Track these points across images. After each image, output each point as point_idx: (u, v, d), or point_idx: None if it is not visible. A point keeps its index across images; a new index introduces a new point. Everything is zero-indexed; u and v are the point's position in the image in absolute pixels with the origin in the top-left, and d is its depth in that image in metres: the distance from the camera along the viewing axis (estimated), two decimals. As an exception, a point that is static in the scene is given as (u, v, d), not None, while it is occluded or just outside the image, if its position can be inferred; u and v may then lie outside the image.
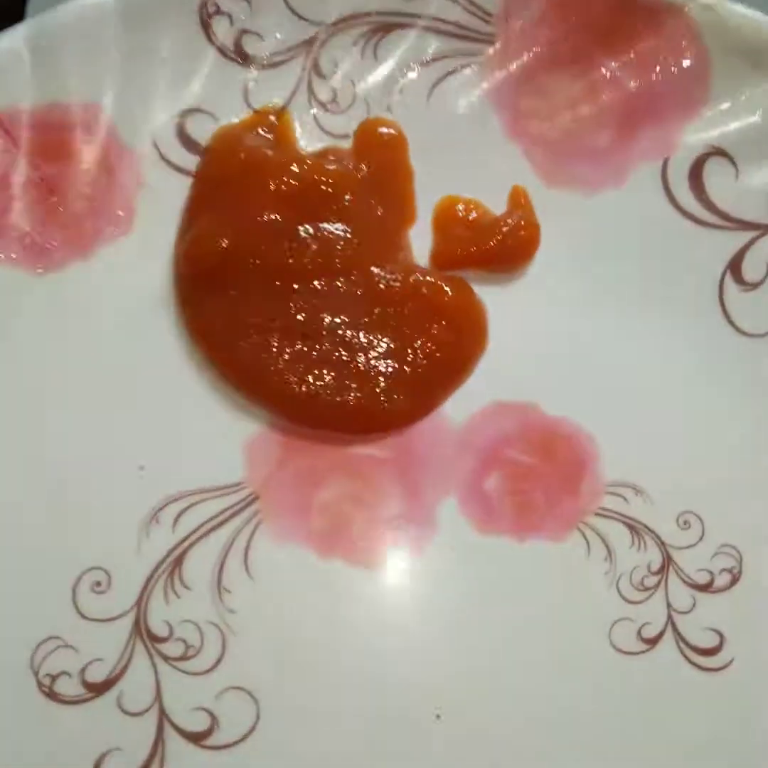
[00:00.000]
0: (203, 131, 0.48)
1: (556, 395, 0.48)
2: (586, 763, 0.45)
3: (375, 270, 0.46)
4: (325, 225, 0.46)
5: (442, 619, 0.46)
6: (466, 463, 0.47)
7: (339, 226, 0.46)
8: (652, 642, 0.46)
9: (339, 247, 0.46)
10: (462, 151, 0.49)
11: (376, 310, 0.46)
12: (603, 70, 0.48)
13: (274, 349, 0.45)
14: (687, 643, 0.46)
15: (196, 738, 0.45)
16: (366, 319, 0.46)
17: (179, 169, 0.48)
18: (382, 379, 0.45)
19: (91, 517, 0.46)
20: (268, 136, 0.47)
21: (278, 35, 0.48)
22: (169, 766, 0.45)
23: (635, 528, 0.47)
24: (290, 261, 0.45)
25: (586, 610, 0.47)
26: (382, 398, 0.45)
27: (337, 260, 0.46)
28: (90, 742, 0.44)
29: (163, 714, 0.45)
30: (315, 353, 0.45)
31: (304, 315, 0.46)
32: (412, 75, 0.48)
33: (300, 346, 0.45)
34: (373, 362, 0.45)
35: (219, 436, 0.47)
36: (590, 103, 0.48)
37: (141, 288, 0.47)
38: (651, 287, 0.49)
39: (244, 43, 0.47)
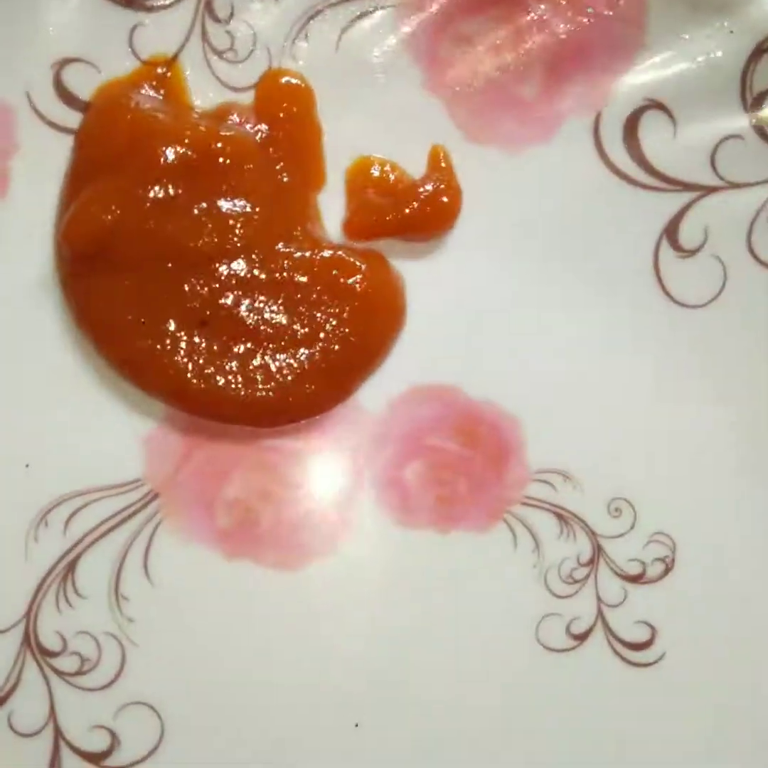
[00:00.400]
0: (84, 84, 0.49)
1: (479, 377, 0.51)
2: (514, 765, 0.47)
3: (279, 248, 0.48)
4: (222, 201, 0.48)
5: (360, 622, 0.51)
6: (384, 452, 0.51)
7: (238, 201, 0.48)
8: (581, 638, 0.51)
9: (238, 224, 0.48)
10: (376, 105, 0.51)
11: (282, 294, 0.48)
12: (529, 13, 0.50)
13: (169, 340, 0.47)
14: (617, 638, 0.51)
15: (96, 758, 0.48)
16: (271, 304, 0.48)
17: (58, 128, 0.49)
18: (290, 368, 0.48)
19: None
20: (158, 93, 0.47)
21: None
22: (68, 789, 0.47)
23: (564, 517, 0.50)
24: (184, 241, 0.47)
25: (513, 607, 0.51)
26: (291, 389, 0.48)
27: (236, 239, 0.48)
28: (-21, 767, 0.45)
29: (58, 734, 0.47)
30: (215, 343, 0.48)
31: (201, 301, 0.48)
32: (319, 18, 0.50)
33: (198, 335, 0.47)
34: (280, 351, 0.48)
35: (114, 429, 0.49)
36: (515, 50, 0.51)
37: (19, 265, 0.49)
38: (580, 255, 0.52)
39: (127, -19, 0.47)
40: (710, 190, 0.51)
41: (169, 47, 0.49)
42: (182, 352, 0.47)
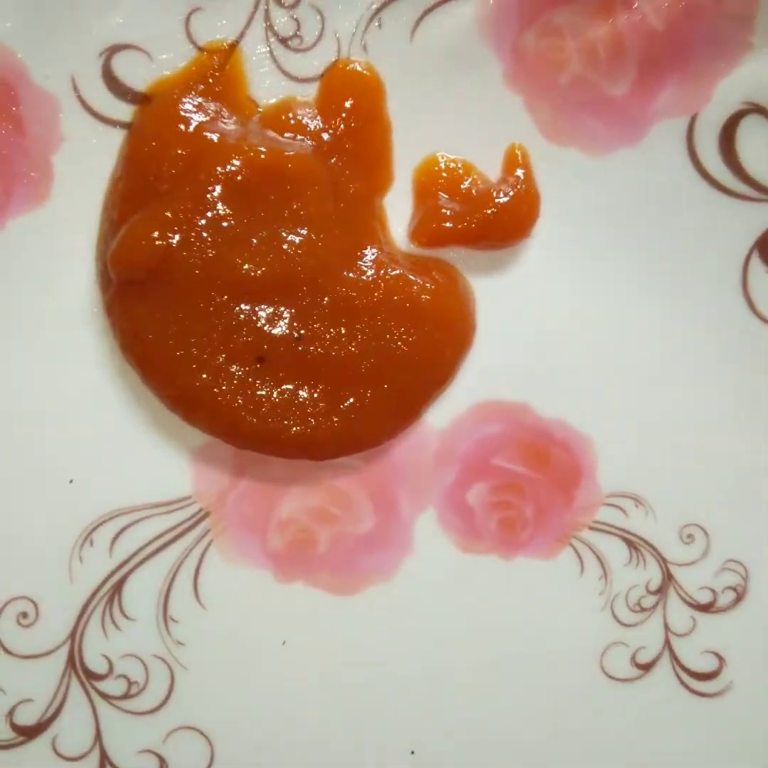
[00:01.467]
0: (136, 74, 0.45)
1: (550, 394, 0.48)
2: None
3: (342, 273, 0.45)
4: (284, 229, 0.44)
5: (418, 649, 0.49)
6: (447, 473, 0.49)
7: (300, 228, 0.44)
8: (647, 667, 0.50)
9: (300, 252, 0.44)
10: (451, 100, 0.47)
11: (346, 325, 0.44)
12: (626, 5, 0.45)
13: (223, 377, 0.44)
14: (684, 668, 0.49)
15: None
16: (334, 336, 0.44)
17: (107, 120, 0.46)
18: (356, 403, 0.45)
19: (14, 539, 0.46)
20: (215, 85, 0.43)
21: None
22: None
23: (634, 543, 0.48)
24: (242, 271, 0.43)
25: (577, 635, 0.50)
26: (356, 423, 0.45)
27: (298, 269, 0.44)
28: (23, 791, 0.45)
29: (104, 758, 0.47)
30: (273, 380, 0.44)
31: (258, 335, 0.44)
32: (394, 5, 0.46)
33: (254, 372, 0.44)
34: (344, 386, 0.45)
35: (163, 444, 0.47)
36: (609, 45, 0.46)
37: (63, 266, 0.45)
38: (663, 267, 0.49)
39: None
40: (808, 201, 0.51)
41: (228, 33, 0.45)
42: (237, 391, 0.44)
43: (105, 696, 0.47)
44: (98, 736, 0.47)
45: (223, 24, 0.46)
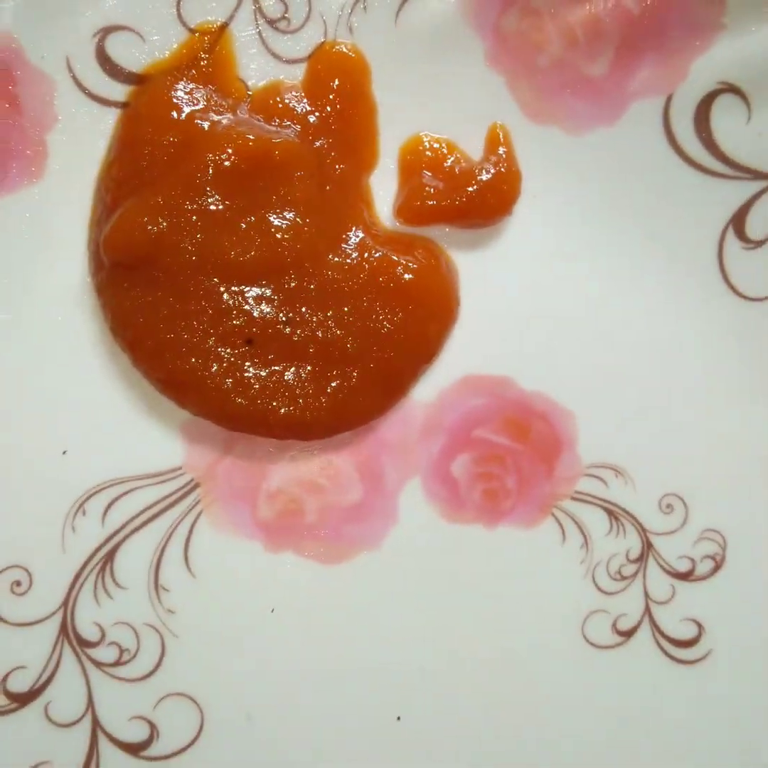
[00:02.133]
0: (129, 54, 0.47)
1: (532, 367, 0.50)
2: (556, 762, 0.47)
3: (328, 257, 0.46)
4: (272, 214, 0.45)
5: (404, 617, 0.49)
6: (432, 444, 0.50)
7: (287, 213, 0.45)
8: (627, 634, 0.50)
9: (287, 237, 0.45)
10: (435, 81, 0.48)
11: (332, 306, 0.46)
12: None
13: (213, 360, 0.45)
14: (664, 635, 0.50)
15: (134, 749, 0.48)
16: (321, 318, 0.46)
17: (100, 100, 0.47)
18: (344, 383, 0.46)
19: (7, 509, 0.47)
20: (204, 90, 0.46)
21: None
22: (106, 780, 0.49)
23: (614, 513, 0.49)
24: (231, 256, 0.45)
25: (559, 603, 0.50)
26: (345, 403, 0.46)
27: (286, 253, 0.45)
28: (16, 757, 0.48)
29: (96, 724, 0.47)
30: (262, 362, 0.46)
31: (247, 318, 0.45)
32: None
33: (244, 355, 0.45)
34: (331, 367, 0.46)
35: (154, 415, 0.48)
36: (587, 27, 0.48)
37: (55, 244, 0.47)
38: (642, 243, 0.50)
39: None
40: (782, 178, 0.52)
41: (218, 15, 0.47)
42: (226, 373, 0.45)
43: (97, 663, 0.48)
44: (90, 702, 0.48)
45: (213, 6, 0.47)
